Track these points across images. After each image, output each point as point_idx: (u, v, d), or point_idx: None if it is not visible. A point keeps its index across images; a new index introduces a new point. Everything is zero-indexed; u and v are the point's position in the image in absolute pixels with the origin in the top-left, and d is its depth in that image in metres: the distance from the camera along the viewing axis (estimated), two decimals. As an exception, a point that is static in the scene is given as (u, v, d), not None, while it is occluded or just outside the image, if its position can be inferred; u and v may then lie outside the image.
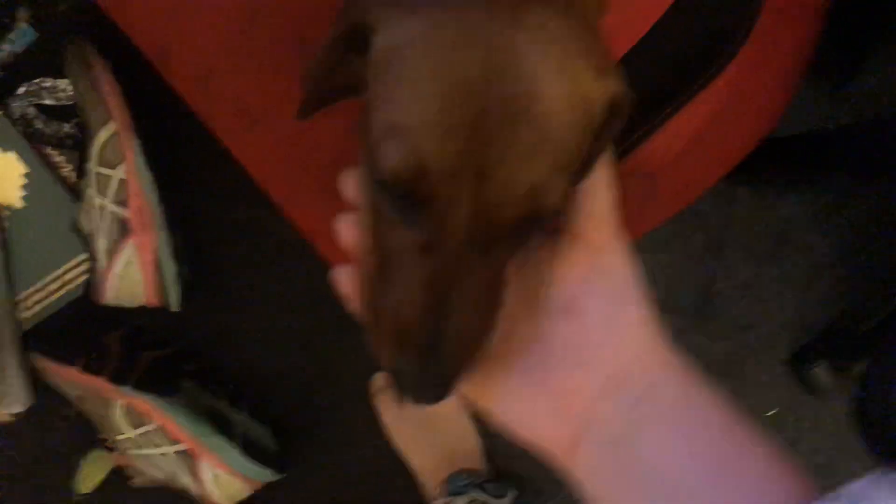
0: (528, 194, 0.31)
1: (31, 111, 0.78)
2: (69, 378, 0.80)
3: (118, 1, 0.55)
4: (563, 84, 0.32)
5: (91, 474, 0.87)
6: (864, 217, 0.91)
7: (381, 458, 0.92)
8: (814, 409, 0.96)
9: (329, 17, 0.38)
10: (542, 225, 0.34)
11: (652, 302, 0.36)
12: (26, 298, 0.82)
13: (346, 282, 0.39)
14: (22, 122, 0.78)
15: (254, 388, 0.88)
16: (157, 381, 0.81)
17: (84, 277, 0.82)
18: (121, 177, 0.75)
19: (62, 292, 0.83)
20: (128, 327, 0.85)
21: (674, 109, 0.46)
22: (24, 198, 0.80)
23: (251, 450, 0.83)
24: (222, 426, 0.82)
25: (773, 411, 0.95)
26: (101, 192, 0.75)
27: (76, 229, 0.78)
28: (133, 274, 0.78)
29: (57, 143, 0.79)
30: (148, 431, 0.80)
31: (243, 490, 0.83)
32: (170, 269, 0.79)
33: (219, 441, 0.80)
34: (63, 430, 0.87)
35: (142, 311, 0.81)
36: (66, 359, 0.80)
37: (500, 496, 0.88)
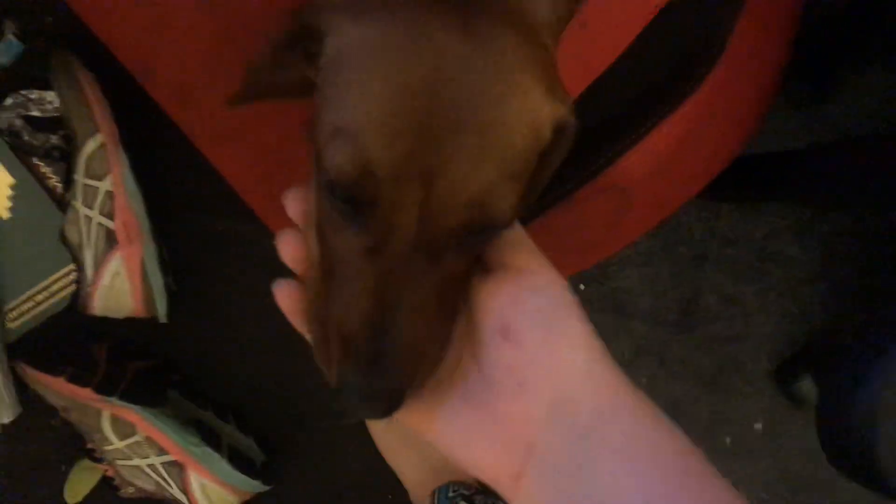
0: (474, 199, 0.31)
1: (18, 122, 0.78)
2: (56, 388, 0.80)
3: (102, 18, 0.55)
4: (512, 94, 0.32)
5: (79, 485, 0.87)
6: (844, 231, 0.92)
7: (369, 469, 0.91)
8: (799, 421, 0.96)
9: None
10: (492, 235, 0.34)
11: (590, 326, 0.35)
12: (13, 309, 0.82)
13: (286, 296, 0.38)
14: (9, 133, 0.78)
15: (240, 400, 0.88)
16: (143, 392, 0.81)
17: (71, 288, 0.82)
18: (108, 188, 0.75)
19: (49, 303, 0.83)
20: (114, 338, 0.85)
21: (648, 128, 0.46)
22: (11, 209, 0.80)
23: (238, 461, 0.82)
24: (209, 437, 0.82)
25: (758, 425, 0.95)
26: (88, 203, 0.75)
27: (63, 240, 0.78)
28: (120, 285, 0.78)
29: (44, 154, 0.79)
30: (135, 442, 0.80)
31: (232, 501, 0.83)
32: (157, 280, 0.79)
33: (206, 452, 0.80)
34: (50, 440, 0.87)
35: (128, 322, 0.81)
36: (53, 369, 0.80)
37: (487, 508, 0.88)
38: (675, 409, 1.00)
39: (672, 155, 0.47)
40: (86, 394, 0.78)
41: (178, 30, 0.51)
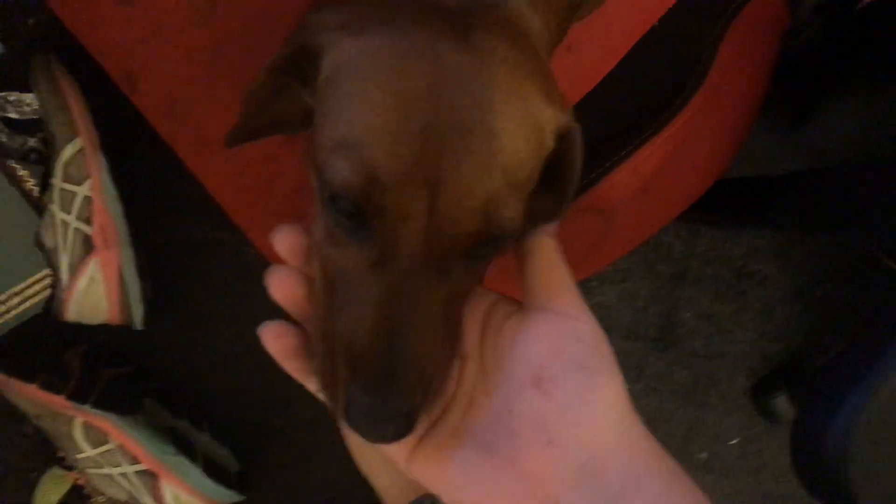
0: (482, 207, 0.31)
1: (-4, 125, 0.77)
2: (27, 395, 0.78)
3: (87, 26, 0.55)
4: (512, 101, 0.31)
5: (48, 493, 0.85)
6: (821, 252, 0.93)
7: (345, 480, 0.91)
8: (775, 437, 0.97)
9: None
10: (499, 246, 0.33)
11: (622, 379, 0.33)
12: (-14, 313, 0.81)
13: (275, 339, 0.37)
14: (-14, 135, 0.77)
15: (216, 409, 0.88)
16: (117, 400, 0.79)
17: (46, 293, 0.81)
18: (86, 193, 0.74)
19: (23, 308, 0.82)
20: (89, 345, 0.84)
21: (630, 151, 0.46)
22: (-14, 212, 0.79)
23: (213, 470, 0.82)
24: (183, 446, 0.81)
25: (735, 441, 0.96)
26: (65, 208, 0.74)
27: (38, 244, 0.77)
28: (96, 291, 0.77)
29: (21, 157, 0.78)
30: (108, 450, 0.79)
31: (205, 510, 0.82)
32: (134, 286, 0.78)
33: (180, 461, 0.79)
34: (21, 447, 0.85)
35: (103, 328, 0.80)
36: (26, 375, 0.78)
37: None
38: (652, 424, 1.01)
39: (654, 178, 0.47)
40: (58, 401, 0.77)
41: (170, 42, 0.50)
